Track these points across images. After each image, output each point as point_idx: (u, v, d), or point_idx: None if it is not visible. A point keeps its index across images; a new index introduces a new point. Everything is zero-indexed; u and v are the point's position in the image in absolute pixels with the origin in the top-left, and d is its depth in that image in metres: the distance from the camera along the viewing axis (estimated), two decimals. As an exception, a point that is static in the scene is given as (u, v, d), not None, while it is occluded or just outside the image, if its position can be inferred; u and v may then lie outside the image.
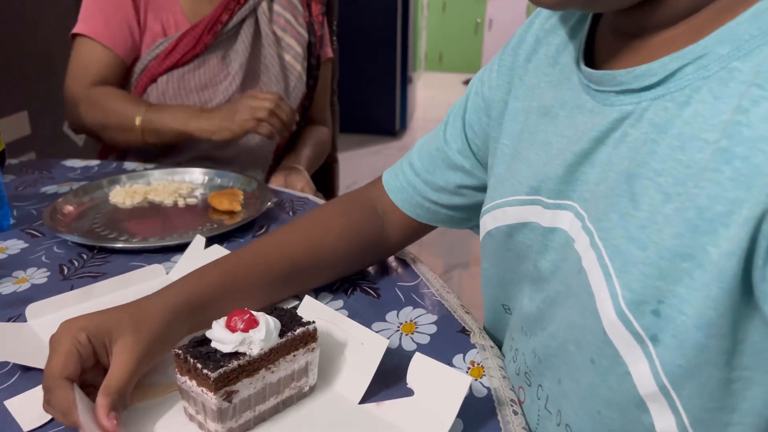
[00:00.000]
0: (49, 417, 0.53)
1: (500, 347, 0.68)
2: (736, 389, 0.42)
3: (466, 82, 6.36)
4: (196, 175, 1.10)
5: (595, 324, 0.46)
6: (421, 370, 0.54)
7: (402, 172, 0.76)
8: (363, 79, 4.22)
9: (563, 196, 0.53)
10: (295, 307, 0.61)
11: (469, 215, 0.74)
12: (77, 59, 1.20)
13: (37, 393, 0.55)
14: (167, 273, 0.78)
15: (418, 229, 0.77)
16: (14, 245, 0.86)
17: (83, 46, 1.19)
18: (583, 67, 0.53)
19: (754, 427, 0.43)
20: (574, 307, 0.49)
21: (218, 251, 0.78)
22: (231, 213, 0.96)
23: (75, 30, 1.19)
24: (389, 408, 0.54)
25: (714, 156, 0.40)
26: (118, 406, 0.50)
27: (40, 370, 0.58)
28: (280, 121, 1.12)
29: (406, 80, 4.44)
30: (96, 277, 0.77)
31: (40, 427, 0.53)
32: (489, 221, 0.62)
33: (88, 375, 0.53)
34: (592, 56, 0.54)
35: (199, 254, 0.78)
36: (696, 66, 0.43)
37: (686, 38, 0.45)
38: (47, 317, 0.68)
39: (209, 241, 0.81)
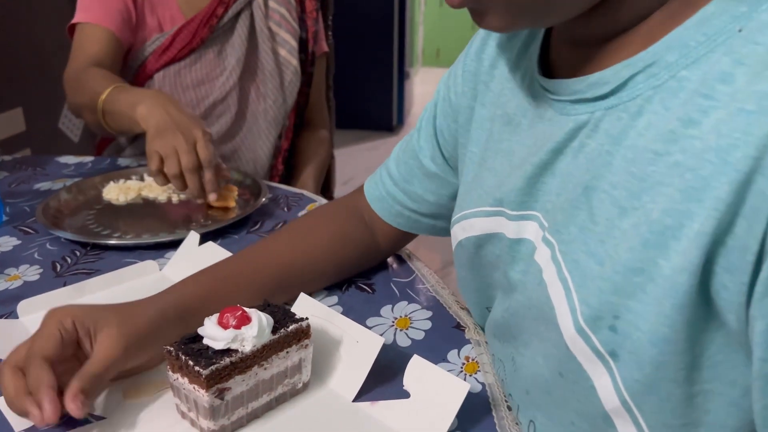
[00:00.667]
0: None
1: None
2: (698, 403, 0.42)
3: (464, 78, 6.36)
4: (191, 171, 1.09)
5: (558, 338, 0.46)
6: (419, 372, 0.53)
7: (381, 181, 0.75)
8: (360, 74, 4.21)
9: (526, 207, 0.52)
10: (290, 304, 0.61)
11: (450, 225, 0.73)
12: (75, 45, 1.18)
13: None
14: (160, 269, 0.77)
15: (406, 236, 0.77)
16: (7, 242, 0.86)
17: (81, 32, 1.17)
18: (537, 75, 0.52)
19: None
20: (539, 319, 0.49)
21: (212, 248, 0.77)
22: (225, 209, 0.96)
23: (74, 20, 1.18)
24: (383, 408, 0.54)
25: (667, 170, 0.40)
26: (89, 394, 0.50)
27: None
28: (177, 169, 0.89)
29: (403, 76, 4.43)
30: (89, 274, 0.77)
31: (31, 427, 0.52)
32: (458, 232, 0.61)
33: (68, 365, 0.52)
34: (549, 64, 0.54)
35: (193, 251, 0.77)
36: (646, 74, 0.43)
37: (637, 45, 0.44)
38: (39, 314, 0.67)
39: (203, 238, 0.80)
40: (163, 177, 0.90)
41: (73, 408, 0.48)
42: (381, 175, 0.75)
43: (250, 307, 0.53)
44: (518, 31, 0.56)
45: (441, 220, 0.72)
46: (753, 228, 0.35)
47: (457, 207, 0.63)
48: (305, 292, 0.64)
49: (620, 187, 0.43)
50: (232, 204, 0.96)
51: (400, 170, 0.72)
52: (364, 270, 0.78)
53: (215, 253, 0.75)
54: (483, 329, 0.69)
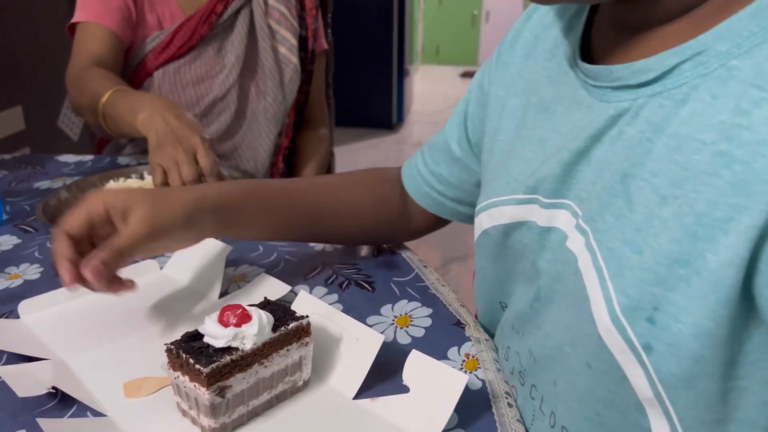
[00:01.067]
0: (44, 389, 0.53)
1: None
2: (731, 399, 0.41)
3: (464, 75, 6.35)
4: (191, 170, 1.09)
5: (590, 328, 0.45)
6: (418, 367, 0.54)
7: (415, 161, 0.77)
8: (359, 72, 4.20)
9: (560, 195, 0.51)
10: (290, 302, 0.61)
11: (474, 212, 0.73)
12: (76, 44, 1.18)
13: (32, 366, 0.57)
14: (161, 268, 0.77)
15: (435, 220, 0.78)
16: (7, 241, 0.86)
17: (82, 31, 1.17)
18: (579, 62, 0.52)
19: None
20: (570, 308, 0.48)
21: (212, 244, 0.77)
22: None
23: (74, 20, 1.18)
24: (384, 404, 0.54)
25: (713, 159, 0.39)
26: (108, 265, 0.55)
27: (37, 358, 0.59)
28: (179, 182, 0.89)
29: (402, 73, 4.43)
30: (89, 273, 0.77)
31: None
32: (485, 220, 0.61)
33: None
34: (590, 51, 0.53)
35: (193, 248, 0.77)
36: (694, 62, 0.42)
37: (685, 33, 0.43)
38: (40, 314, 0.67)
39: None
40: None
41: (87, 273, 0.54)
42: (416, 155, 0.78)
43: (277, 226, 0.59)
44: (569, 3, 0.55)
45: (464, 206, 0.74)
46: None
47: (482, 195, 0.63)
48: (331, 234, 0.71)
49: (661, 175, 0.42)
50: None
51: (431, 152, 0.75)
52: (393, 238, 0.81)
53: (215, 248, 0.75)
54: (484, 326, 0.69)
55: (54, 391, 0.54)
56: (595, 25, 0.54)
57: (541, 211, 0.53)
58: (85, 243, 0.60)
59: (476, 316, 0.69)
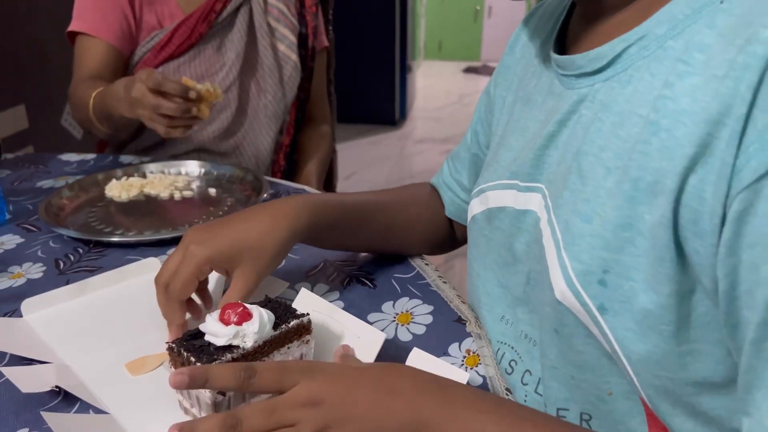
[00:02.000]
0: (48, 387, 0.53)
1: None
2: (689, 362, 0.44)
3: (466, 71, 6.33)
4: (192, 168, 1.09)
5: (551, 296, 0.49)
6: (419, 364, 0.54)
7: (441, 171, 0.81)
8: (362, 68, 4.20)
9: (533, 179, 0.55)
10: (291, 300, 0.61)
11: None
12: (76, 59, 1.19)
13: (36, 368, 0.57)
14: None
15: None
16: (10, 240, 0.86)
17: (80, 45, 1.18)
18: (551, 53, 0.56)
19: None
20: (539, 283, 0.52)
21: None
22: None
23: (70, 28, 1.18)
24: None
25: (644, 129, 0.43)
26: None
27: (39, 361, 0.59)
28: (167, 118, 0.91)
29: (405, 69, 4.42)
30: (92, 271, 0.77)
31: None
32: (475, 206, 0.65)
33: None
34: (565, 44, 0.58)
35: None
36: (638, 47, 0.46)
37: (633, 21, 0.47)
38: (42, 312, 0.68)
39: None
40: (181, 130, 0.94)
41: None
42: (444, 167, 0.82)
43: (350, 249, 0.67)
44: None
45: None
46: (717, 192, 0.38)
47: (476, 184, 0.66)
48: (395, 251, 0.78)
49: (607, 149, 0.46)
50: (205, 114, 0.93)
51: (454, 161, 0.79)
52: (441, 251, 0.84)
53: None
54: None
55: (57, 389, 0.54)
56: (572, 19, 0.59)
57: (518, 195, 0.57)
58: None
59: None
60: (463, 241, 0.83)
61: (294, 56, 1.28)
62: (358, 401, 0.43)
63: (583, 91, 0.51)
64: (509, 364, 0.59)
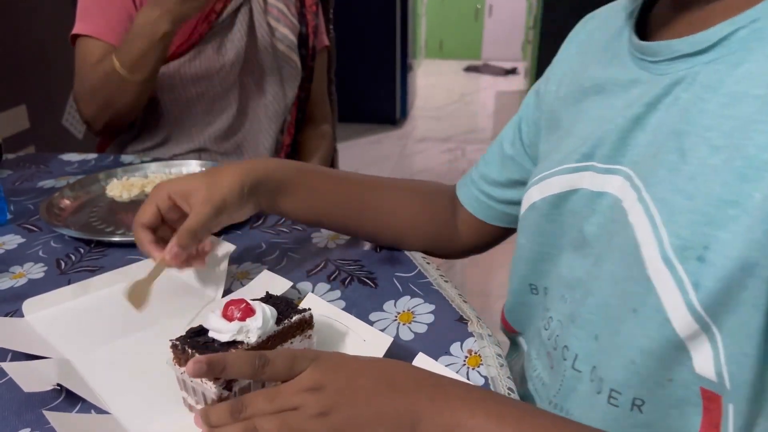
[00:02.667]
0: (50, 385, 0.53)
1: (519, 333, 0.73)
2: None
3: (467, 69, 6.33)
4: (193, 167, 1.09)
5: (639, 273, 0.49)
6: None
7: (469, 171, 0.81)
8: (362, 67, 4.20)
9: (614, 161, 0.55)
10: (293, 298, 0.61)
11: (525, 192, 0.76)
12: (80, 61, 1.18)
13: (37, 364, 0.57)
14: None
15: (482, 231, 0.80)
16: (11, 240, 0.86)
17: (85, 48, 1.17)
18: (636, 41, 0.56)
19: None
20: (618, 262, 0.52)
21: (215, 242, 0.77)
22: None
23: (75, 30, 1.17)
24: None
25: (762, 108, 0.43)
26: (184, 245, 0.65)
27: (40, 357, 0.59)
28: None
29: (406, 68, 4.42)
30: (93, 271, 0.77)
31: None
32: (534, 194, 0.64)
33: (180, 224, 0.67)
34: (645, 35, 0.57)
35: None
36: (750, 29, 0.46)
37: (741, 6, 0.47)
38: (44, 312, 0.68)
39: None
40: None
41: (168, 259, 0.65)
42: (472, 168, 0.81)
43: (317, 210, 0.70)
44: None
45: (511, 207, 0.76)
46: None
47: (532, 176, 0.67)
48: (372, 236, 0.79)
49: (713, 129, 0.46)
50: None
51: (483, 158, 0.79)
52: (439, 250, 0.83)
53: (216, 245, 0.75)
54: (510, 306, 0.73)
55: (59, 387, 0.54)
56: (655, 8, 0.58)
57: (595, 176, 0.57)
58: (163, 229, 0.69)
59: (480, 311, 0.70)
60: (474, 250, 0.83)
61: (294, 56, 1.28)
62: (359, 389, 0.46)
63: (679, 74, 0.50)
64: (555, 339, 0.61)
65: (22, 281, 0.75)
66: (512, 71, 6.18)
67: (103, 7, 1.16)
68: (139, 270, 0.75)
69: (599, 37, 0.64)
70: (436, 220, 0.81)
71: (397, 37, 4.18)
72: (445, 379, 0.49)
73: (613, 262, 0.53)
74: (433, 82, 5.86)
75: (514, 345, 0.78)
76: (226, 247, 0.75)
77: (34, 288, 0.73)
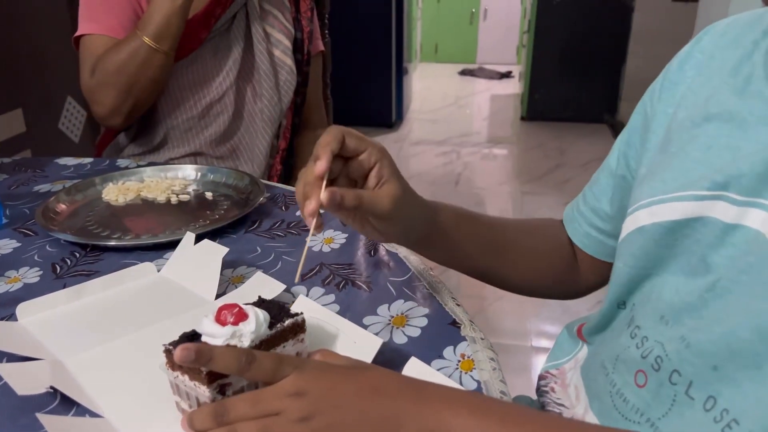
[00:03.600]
0: (43, 388, 0.53)
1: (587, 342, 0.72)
2: None
3: (462, 73, 6.34)
4: (189, 171, 1.10)
5: None
6: (416, 374, 0.54)
7: (576, 202, 0.78)
8: (358, 71, 4.21)
9: (756, 193, 0.53)
10: (287, 302, 0.61)
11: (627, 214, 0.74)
12: (86, 55, 1.18)
13: (30, 365, 0.57)
14: (158, 271, 0.78)
15: (598, 266, 0.77)
16: (7, 245, 0.86)
17: (91, 42, 1.17)
18: None
19: None
20: (755, 295, 0.50)
21: (208, 246, 0.78)
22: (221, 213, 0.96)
23: (81, 31, 1.17)
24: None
25: None
26: (348, 205, 0.59)
27: (36, 359, 0.59)
28: None
29: (401, 72, 4.43)
30: (89, 275, 0.77)
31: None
32: (643, 217, 0.61)
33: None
34: None
35: (190, 250, 0.78)
36: None
37: None
38: (38, 316, 0.68)
39: (202, 237, 0.81)
40: None
41: (326, 194, 0.59)
42: (577, 198, 0.78)
43: (462, 264, 0.71)
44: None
45: None
46: None
47: (639, 194, 0.64)
48: (506, 281, 0.77)
49: None
50: None
51: (592, 189, 0.75)
52: (560, 295, 0.83)
53: (211, 250, 0.76)
54: (592, 324, 0.71)
55: (53, 391, 0.55)
56: None
57: (730, 207, 0.54)
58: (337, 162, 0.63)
59: (474, 315, 0.70)
60: (597, 285, 0.80)
61: (289, 61, 1.29)
62: (341, 395, 0.47)
63: None
64: (655, 360, 0.59)
65: (18, 285, 0.76)
66: (507, 75, 6.20)
67: (110, 7, 1.16)
68: (134, 274, 0.75)
69: (722, 57, 0.61)
70: (558, 258, 0.78)
71: (392, 41, 4.20)
72: (427, 383, 0.50)
73: (753, 295, 0.51)
74: (429, 86, 5.87)
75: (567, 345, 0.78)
76: (218, 250, 0.75)
77: (30, 292, 0.74)
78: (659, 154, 0.64)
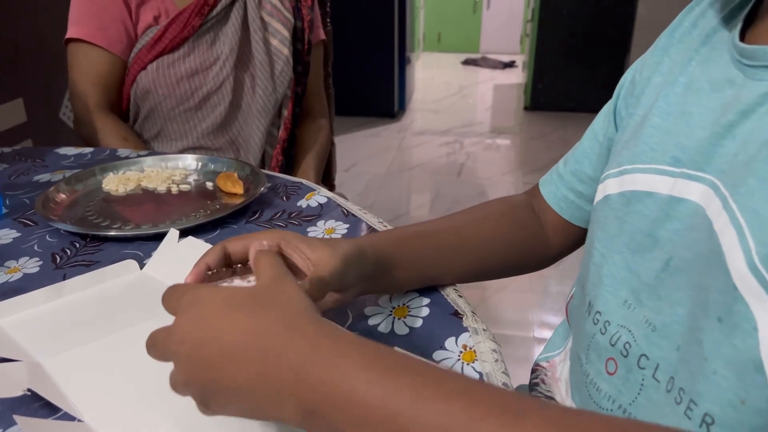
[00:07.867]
0: (20, 391, 0.53)
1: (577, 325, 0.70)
2: None
3: (465, 62, 6.32)
4: (190, 161, 1.09)
5: (725, 282, 0.47)
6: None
7: (556, 167, 0.78)
8: (360, 60, 4.19)
9: (699, 168, 0.54)
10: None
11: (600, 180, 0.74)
12: (75, 66, 1.18)
13: (8, 366, 0.56)
14: (141, 268, 0.76)
15: (569, 232, 0.77)
16: (6, 235, 0.86)
17: (80, 53, 1.17)
18: (737, 42, 0.54)
19: None
20: (702, 271, 0.50)
21: (192, 243, 0.77)
22: (234, 195, 0.96)
23: (69, 35, 1.17)
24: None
25: None
26: (316, 298, 0.53)
27: (11, 360, 0.58)
28: None
29: (404, 61, 4.41)
30: (89, 266, 0.77)
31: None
32: (612, 185, 0.62)
33: None
34: (746, 31, 0.56)
35: (173, 247, 0.76)
36: None
37: None
38: (16, 316, 0.66)
39: (203, 228, 0.81)
40: None
41: None
42: (558, 163, 0.78)
43: (420, 270, 0.65)
44: None
45: None
46: None
47: (611, 163, 0.64)
48: (476, 276, 0.74)
49: None
50: (240, 191, 0.96)
51: (574, 154, 0.76)
52: (532, 265, 0.80)
53: (196, 247, 0.75)
54: (574, 307, 0.71)
55: (30, 393, 0.53)
56: (761, 10, 0.56)
57: (677, 182, 0.55)
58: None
59: (477, 305, 0.70)
60: (565, 253, 0.80)
61: (286, 51, 1.28)
62: (209, 351, 0.40)
63: None
64: (624, 346, 0.59)
65: (18, 275, 0.75)
66: (510, 64, 6.17)
67: (98, 13, 1.16)
68: (115, 272, 0.73)
69: (702, 26, 0.62)
70: (525, 235, 0.77)
71: (395, 30, 4.18)
72: (326, 331, 0.40)
73: (696, 271, 0.51)
74: (432, 75, 5.85)
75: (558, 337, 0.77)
76: (203, 247, 0.74)
77: (30, 282, 0.73)
78: (632, 124, 0.65)
